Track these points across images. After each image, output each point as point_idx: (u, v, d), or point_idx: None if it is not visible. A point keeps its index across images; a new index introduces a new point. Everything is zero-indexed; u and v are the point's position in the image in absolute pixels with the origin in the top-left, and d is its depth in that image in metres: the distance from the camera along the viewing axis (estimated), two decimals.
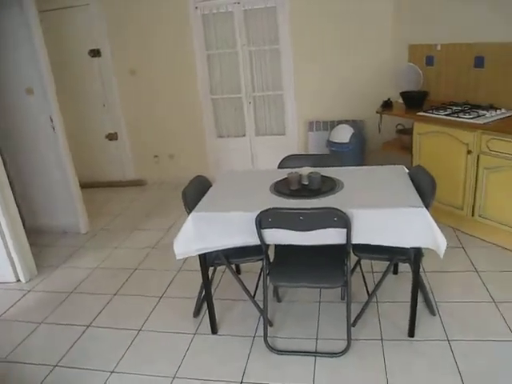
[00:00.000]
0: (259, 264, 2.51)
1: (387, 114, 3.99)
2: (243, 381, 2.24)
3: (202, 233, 2.30)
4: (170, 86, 4.98)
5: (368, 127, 4.53)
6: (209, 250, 2.35)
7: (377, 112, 4.02)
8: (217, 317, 2.65)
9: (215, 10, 4.68)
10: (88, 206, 4.37)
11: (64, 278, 3.42)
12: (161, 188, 5.31)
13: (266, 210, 2.11)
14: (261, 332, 2.49)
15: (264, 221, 2.15)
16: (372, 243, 2.19)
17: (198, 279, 2.57)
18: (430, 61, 4.18)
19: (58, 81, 5.17)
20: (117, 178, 5.49)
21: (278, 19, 4.57)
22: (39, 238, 4.11)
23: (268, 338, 2.44)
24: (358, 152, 4.41)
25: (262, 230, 2.19)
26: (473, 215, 3.37)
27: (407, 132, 3.87)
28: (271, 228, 2.18)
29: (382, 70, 4.44)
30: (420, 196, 2.26)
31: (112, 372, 2.38)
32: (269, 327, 2.54)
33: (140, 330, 2.71)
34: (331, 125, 4.67)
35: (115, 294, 3.12)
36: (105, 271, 3.47)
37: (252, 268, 2.92)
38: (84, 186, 5.40)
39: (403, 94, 3.93)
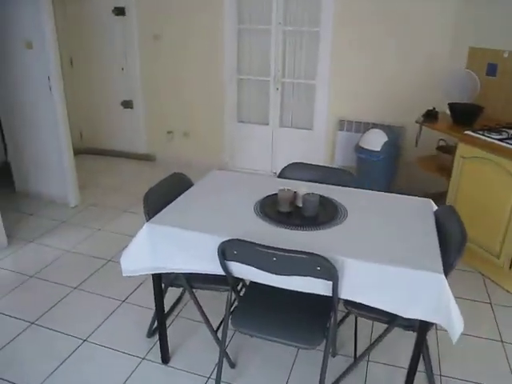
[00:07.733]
0: None
1: (428, 126, 3.36)
2: None
3: (156, 250, 1.85)
4: (193, 57, 4.50)
5: (405, 136, 3.91)
6: (162, 271, 1.91)
7: (416, 122, 3.41)
8: (175, 341, 2.28)
9: None
10: (86, 175, 4.13)
11: (31, 258, 3.08)
12: (169, 167, 4.86)
13: (229, 241, 1.63)
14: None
15: (228, 252, 1.68)
16: (364, 303, 1.67)
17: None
18: (492, 70, 3.49)
19: (75, 37, 4.81)
20: (125, 148, 5.10)
21: None
22: (24, 205, 3.82)
23: None
24: (390, 164, 3.82)
25: (227, 262, 1.72)
26: (510, 267, 2.76)
27: (449, 150, 3.25)
28: (237, 262, 1.70)
29: (432, 72, 3.77)
30: (441, 250, 1.71)
31: None
32: (230, 368, 2.11)
33: (85, 340, 2.32)
34: (365, 126, 4.09)
35: (75, 288, 2.75)
36: (76, 257, 3.10)
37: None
38: (89, 151, 5.13)
39: (452, 106, 3.29)
